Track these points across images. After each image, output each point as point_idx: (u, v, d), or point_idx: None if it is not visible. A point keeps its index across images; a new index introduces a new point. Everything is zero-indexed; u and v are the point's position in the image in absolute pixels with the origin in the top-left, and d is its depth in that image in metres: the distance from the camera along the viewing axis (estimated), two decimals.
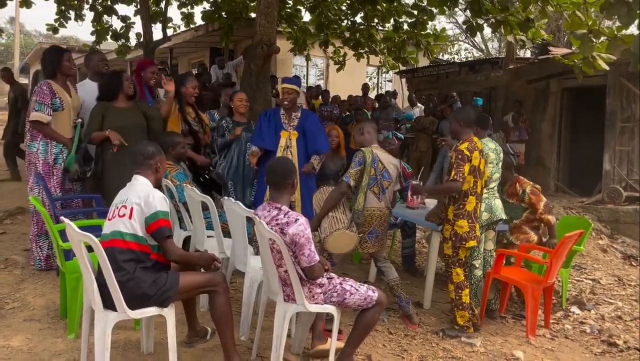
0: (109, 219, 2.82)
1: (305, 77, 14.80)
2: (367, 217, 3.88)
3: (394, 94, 12.19)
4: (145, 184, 2.89)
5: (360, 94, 10.72)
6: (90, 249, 2.65)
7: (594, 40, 5.25)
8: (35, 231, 4.41)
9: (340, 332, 3.38)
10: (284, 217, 2.92)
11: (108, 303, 2.65)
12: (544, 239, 4.69)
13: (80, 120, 4.47)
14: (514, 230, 4.73)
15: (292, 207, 4.52)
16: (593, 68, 5.88)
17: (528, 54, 15.03)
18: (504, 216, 4.33)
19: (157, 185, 3.04)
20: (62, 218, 2.79)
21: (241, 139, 5.24)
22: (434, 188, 4.14)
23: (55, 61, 4.36)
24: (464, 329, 3.97)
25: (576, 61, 6.37)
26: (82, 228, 2.65)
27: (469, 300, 3.98)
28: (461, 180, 3.81)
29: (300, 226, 2.86)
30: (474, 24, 7.37)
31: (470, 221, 3.90)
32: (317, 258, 2.91)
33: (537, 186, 4.72)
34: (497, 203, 4.30)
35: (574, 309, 4.83)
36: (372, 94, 12.96)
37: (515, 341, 4.04)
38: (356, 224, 3.80)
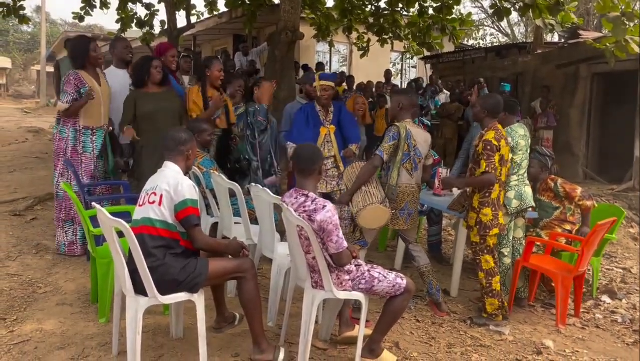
0: (140, 205, 2.84)
1: (328, 64, 14.71)
2: (400, 193, 3.87)
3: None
4: (175, 171, 2.90)
5: (383, 80, 10.62)
6: (120, 235, 2.68)
7: (627, 23, 5.10)
8: (62, 216, 4.49)
9: (367, 320, 3.37)
10: (312, 204, 2.90)
11: (139, 288, 2.68)
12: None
13: (110, 128, 4.67)
14: (543, 228, 4.64)
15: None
16: (625, 52, 5.71)
17: (555, 38, 14.69)
18: (533, 203, 4.26)
19: (187, 172, 3.04)
20: (93, 204, 2.82)
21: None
22: (466, 182, 4.06)
23: (83, 51, 4.45)
24: (493, 317, 3.92)
25: (608, 44, 6.19)
26: (111, 214, 2.67)
27: (499, 287, 3.93)
28: (493, 171, 3.76)
29: (328, 212, 2.85)
30: (501, 7, 7.22)
31: (493, 208, 3.86)
32: (345, 244, 2.90)
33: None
34: (527, 190, 4.22)
35: (605, 298, 4.75)
36: (395, 80, 12.77)
37: (544, 330, 3.99)
38: (389, 199, 3.78)
